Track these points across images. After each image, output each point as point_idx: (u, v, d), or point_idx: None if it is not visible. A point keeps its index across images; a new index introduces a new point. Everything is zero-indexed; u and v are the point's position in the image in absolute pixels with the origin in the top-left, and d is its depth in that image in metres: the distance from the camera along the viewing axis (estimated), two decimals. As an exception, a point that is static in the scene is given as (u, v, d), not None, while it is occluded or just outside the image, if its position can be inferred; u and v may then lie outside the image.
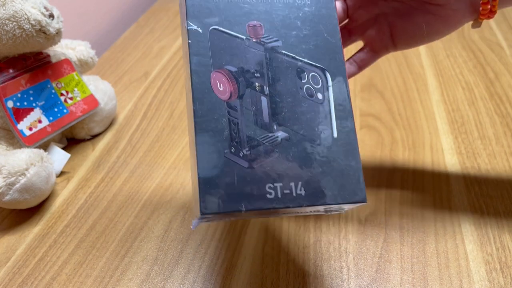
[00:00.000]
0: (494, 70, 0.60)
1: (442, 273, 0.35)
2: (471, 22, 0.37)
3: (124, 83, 0.69)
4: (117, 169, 0.51)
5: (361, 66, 0.40)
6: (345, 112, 0.29)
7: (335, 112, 0.29)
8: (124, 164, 0.51)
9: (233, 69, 0.29)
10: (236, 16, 0.30)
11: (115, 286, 0.37)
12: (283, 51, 0.30)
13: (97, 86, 0.57)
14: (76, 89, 0.54)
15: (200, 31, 0.29)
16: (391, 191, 0.43)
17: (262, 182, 0.27)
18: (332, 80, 0.29)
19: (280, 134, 0.28)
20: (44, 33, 0.47)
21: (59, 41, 0.51)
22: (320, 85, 0.29)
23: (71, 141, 0.57)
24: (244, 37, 0.30)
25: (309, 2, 0.31)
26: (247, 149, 0.28)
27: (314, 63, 0.30)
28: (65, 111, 0.52)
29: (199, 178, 0.27)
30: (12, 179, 0.42)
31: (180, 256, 0.39)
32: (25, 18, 0.45)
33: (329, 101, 0.29)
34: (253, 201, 0.27)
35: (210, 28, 0.30)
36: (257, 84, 0.29)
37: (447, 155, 0.47)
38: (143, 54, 0.77)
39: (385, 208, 0.41)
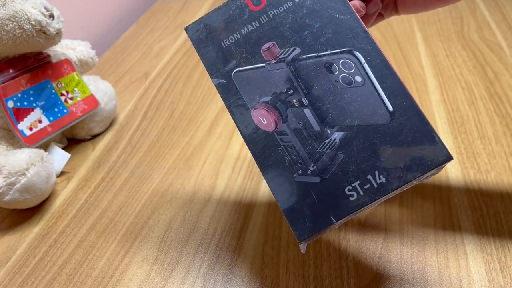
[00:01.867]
0: (494, 70, 0.60)
1: (442, 273, 0.35)
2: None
3: (124, 83, 0.69)
4: (117, 169, 0.51)
5: None
6: (390, 79, 0.27)
7: (380, 84, 0.27)
8: (124, 164, 0.51)
9: (267, 98, 0.29)
10: (250, 49, 0.30)
11: (115, 286, 0.37)
12: (304, 56, 0.29)
13: (97, 86, 0.57)
14: (76, 89, 0.54)
15: (225, 81, 0.30)
16: (391, 191, 0.43)
17: (339, 188, 0.27)
18: (364, 55, 0.28)
19: (337, 135, 0.28)
20: (44, 33, 0.47)
21: (59, 41, 0.51)
22: (354, 68, 0.28)
23: (71, 141, 0.57)
24: (264, 64, 0.30)
25: None
26: (312, 165, 0.28)
27: (338, 50, 0.28)
28: (65, 111, 0.52)
29: (283, 211, 0.27)
30: (13, 179, 0.42)
31: (180, 256, 0.39)
32: (25, 18, 0.45)
33: (370, 78, 0.28)
34: (339, 209, 0.27)
35: (233, 73, 0.30)
36: (294, 100, 0.29)
37: (447, 155, 0.47)
38: (143, 54, 0.77)
39: (385, 209, 0.42)
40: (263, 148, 0.28)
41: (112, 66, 0.75)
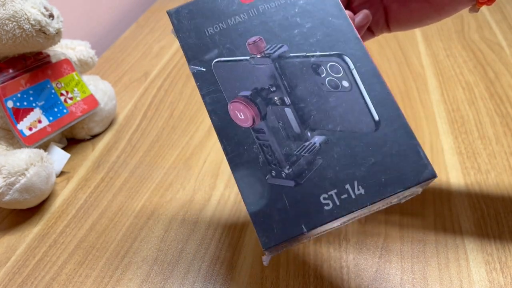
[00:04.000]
0: (494, 70, 0.60)
1: (442, 273, 0.35)
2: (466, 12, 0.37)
3: (124, 83, 0.69)
4: (117, 169, 0.51)
5: None
6: (378, 88, 0.26)
7: (367, 92, 0.26)
8: (124, 164, 0.51)
9: (247, 93, 0.28)
10: (234, 40, 0.29)
11: (115, 286, 0.37)
12: (292, 54, 0.28)
13: (97, 86, 0.57)
14: (76, 89, 0.54)
15: (204, 69, 0.29)
16: (391, 191, 0.43)
17: (314, 196, 0.25)
18: (353, 61, 0.27)
19: (317, 139, 0.26)
20: (44, 33, 0.47)
21: (59, 41, 0.51)
22: (342, 73, 0.27)
23: (71, 141, 0.57)
24: (248, 57, 0.28)
25: None
26: (287, 167, 0.26)
27: (327, 53, 0.28)
28: (65, 111, 0.52)
29: (250, 214, 0.25)
30: (12, 179, 0.42)
31: (180, 256, 0.39)
32: (25, 18, 0.45)
33: (357, 84, 0.27)
34: (311, 218, 0.25)
35: (213, 62, 0.29)
36: (276, 98, 0.27)
37: (447, 155, 0.47)
38: (143, 54, 0.77)
39: (385, 209, 0.41)
40: (236, 144, 0.27)
41: (112, 66, 0.75)
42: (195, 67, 0.29)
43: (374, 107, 0.26)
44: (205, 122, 0.57)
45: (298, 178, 0.26)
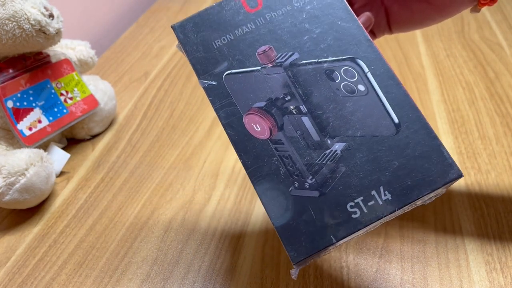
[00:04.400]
0: (495, 70, 0.60)
1: (442, 273, 0.35)
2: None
3: (124, 83, 0.69)
4: (117, 169, 0.51)
5: None
6: (395, 90, 0.26)
7: (385, 95, 0.26)
8: (124, 164, 0.51)
9: (262, 104, 0.27)
10: (243, 51, 0.28)
11: (115, 286, 0.37)
12: (303, 61, 0.27)
13: (97, 86, 0.57)
14: (76, 89, 0.54)
15: (215, 83, 0.28)
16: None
17: (341, 204, 0.24)
18: (367, 64, 0.27)
19: (338, 146, 0.26)
20: (44, 33, 0.47)
21: (59, 41, 0.51)
22: (356, 77, 0.26)
23: (71, 141, 0.57)
24: (259, 68, 0.28)
25: (307, 0, 0.29)
26: (310, 177, 0.25)
27: (339, 58, 0.27)
28: (65, 111, 0.52)
29: (276, 228, 0.25)
30: (12, 179, 0.42)
31: (180, 256, 0.39)
32: (25, 18, 0.45)
33: (374, 88, 0.26)
34: (340, 228, 0.24)
35: (223, 75, 0.28)
36: (291, 107, 0.27)
37: (447, 155, 0.47)
38: (143, 54, 0.77)
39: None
40: (256, 158, 0.26)
41: (111, 66, 0.75)
42: (205, 81, 0.28)
43: (392, 109, 0.26)
44: (205, 122, 0.57)
45: (322, 188, 0.25)
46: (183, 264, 0.39)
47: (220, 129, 0.55)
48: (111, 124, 0.59)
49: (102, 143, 0.56)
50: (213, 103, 0.28)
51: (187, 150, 0.52)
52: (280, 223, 0.25)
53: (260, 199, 0.25)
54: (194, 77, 0.68)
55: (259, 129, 0.27)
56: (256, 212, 0.43)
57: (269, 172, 0.26)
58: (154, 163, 0.51)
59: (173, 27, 0.30)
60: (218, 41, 0.29)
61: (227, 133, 0.27)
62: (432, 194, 0.25)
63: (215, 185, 0.47)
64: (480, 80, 0.58)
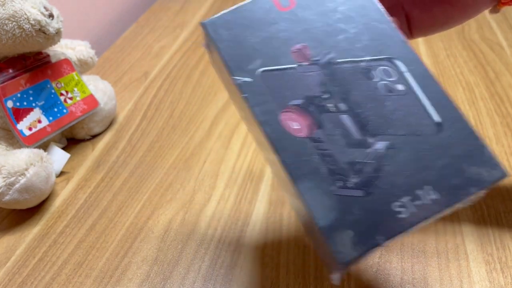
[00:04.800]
0: (495, 70, 0.60)
1: (442, 273, 0.35)
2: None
3: (124, 83, 0.69)
4: (117, 169, 0.51)
5: None
6: (434, 89, 0.26)
7: (424, 95, 0.26)
8: (124, 164, 0.51)
9: (299, 101, 0.27)
10: (277, 49, 0.28)
11: (115, 286, 0.37)
12: (340, 60, 0.27)
13: (97, 86, 0.57)
14: (76, 89, 0.54)
15: (251, 80, 0.27)
16: (391, 191, 0.43)
17: (386, 204, 0.24)
18: (405, 64, 0.27)
19: (380, 145, 0.25)
20: (44, 33, 0.47)
21: (58, 41, 0.51)
22: (395, 77, 0.26)
23: (71, 141, 0.57)
24: (295, 65, 0.27)
25: (340, 0, 0.29)
26: (353, 176, 0.25)
27: (377, 57, 0.27)
28: (64, 111, 0.52)
29: (320, 229, 0.24)
30: (12, 179, 0.42)
31: (180, 256, 0.39)
32: (25, 18, 0.45)
33: (412, 88, 0.26)
34: (387, 228, 0.23)
35: (258, 72, 0.27)
36: (329, 105, 0.26)
37: (448, 155, 0.47)
38: (143, 54, 0.77)
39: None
40: (295, 156, 0.25)
41: (111, 66, 0.75)
42: (240, 78, 0.28)
43: (432, 109, 0.26)
44: (205, 122, 0.57)
45: (366, 187, 0.24)
46: (183, 264, 0.39)
47: (220, 129, 0.55)
48: (111, 124, 0.59)
49: (102, 143, 0.56)
50: (248, 100, 0.27)
51: (187, 150, 0.52)
52: (325, 223, 0.24)
53: (302, 199, 0.25)
54: (194, 77, 0.68)
55: (297, 127, 0.26)
56: (256, 212, 0.43)
57: (310, 171, 0.25)
58: (154, 163, 0.51)
59: (203, 24, 0.29)
60: (251, 38, 0.29)
61: (264, 130, 0.26)
62: (478, 194, 0.25)
63: (215, 185, 0.47)
64: (480, 80, 0.58)
